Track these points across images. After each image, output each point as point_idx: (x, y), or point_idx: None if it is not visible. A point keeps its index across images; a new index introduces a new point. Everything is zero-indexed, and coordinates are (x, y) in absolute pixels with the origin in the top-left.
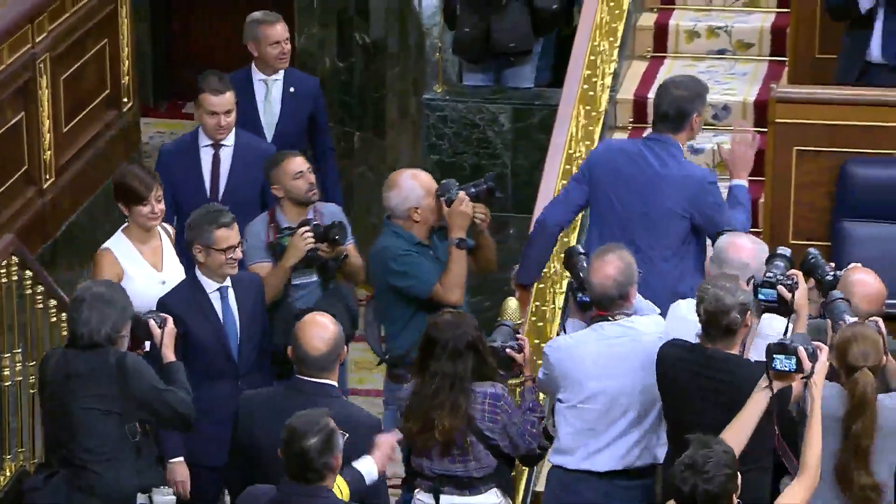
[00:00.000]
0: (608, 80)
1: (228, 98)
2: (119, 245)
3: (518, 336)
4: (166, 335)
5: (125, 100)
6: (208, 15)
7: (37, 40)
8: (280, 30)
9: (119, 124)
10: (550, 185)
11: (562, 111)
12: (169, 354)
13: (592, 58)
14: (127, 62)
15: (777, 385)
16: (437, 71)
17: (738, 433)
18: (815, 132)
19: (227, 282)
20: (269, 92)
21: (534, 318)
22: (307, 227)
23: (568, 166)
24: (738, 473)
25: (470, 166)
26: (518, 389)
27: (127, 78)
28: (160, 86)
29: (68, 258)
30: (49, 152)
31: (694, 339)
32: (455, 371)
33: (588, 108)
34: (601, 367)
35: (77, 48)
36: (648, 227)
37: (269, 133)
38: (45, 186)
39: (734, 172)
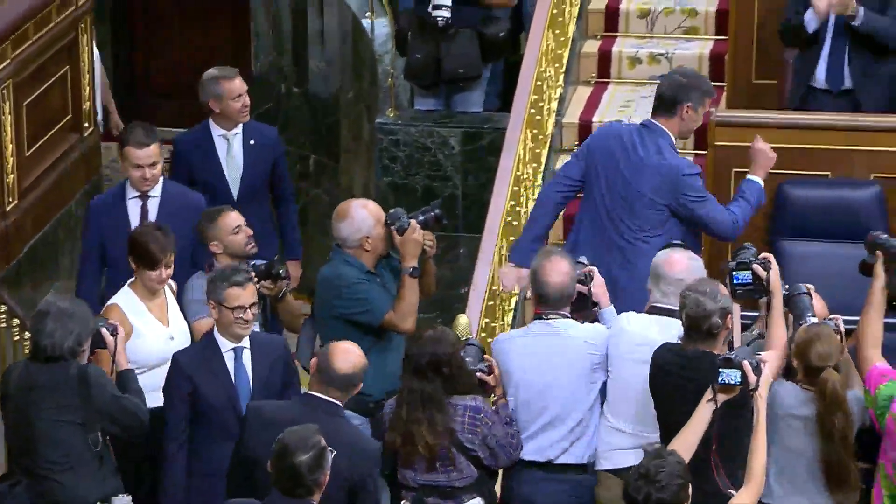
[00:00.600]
0: (554, 105)
1: (153, 150)
2: (127, 300)
3: (486, 357)
4: (119, 342)
5: (86, 125)
6: (168, 43)
7: (0, 67)
8: (239, 84)
9: (80, 149)
10: (499, 205)
11: (510, 135)
12: (122, 362)
13: (539, 83)
14: (88, 88)
15: (721, 398)
16: (389, 96)
17: (685, 444)
18: None
19: (245, 342)
20: (231, 146)
21: (483, 335)
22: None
23: (516, 188)
24: (690, 483)
25: (422, 188)
26: (493, 407)
27: (88, 104)
28: (121, 112)
29: (31, 279)
30: (12, 176)
31: (634, 350)
32: (422, 388)
33: (535, 131)
34: (524, 362)
35: (40, 74)
36: (629, 209)
37: (234, 187)
38: (8, 209)
39: (753, 167)
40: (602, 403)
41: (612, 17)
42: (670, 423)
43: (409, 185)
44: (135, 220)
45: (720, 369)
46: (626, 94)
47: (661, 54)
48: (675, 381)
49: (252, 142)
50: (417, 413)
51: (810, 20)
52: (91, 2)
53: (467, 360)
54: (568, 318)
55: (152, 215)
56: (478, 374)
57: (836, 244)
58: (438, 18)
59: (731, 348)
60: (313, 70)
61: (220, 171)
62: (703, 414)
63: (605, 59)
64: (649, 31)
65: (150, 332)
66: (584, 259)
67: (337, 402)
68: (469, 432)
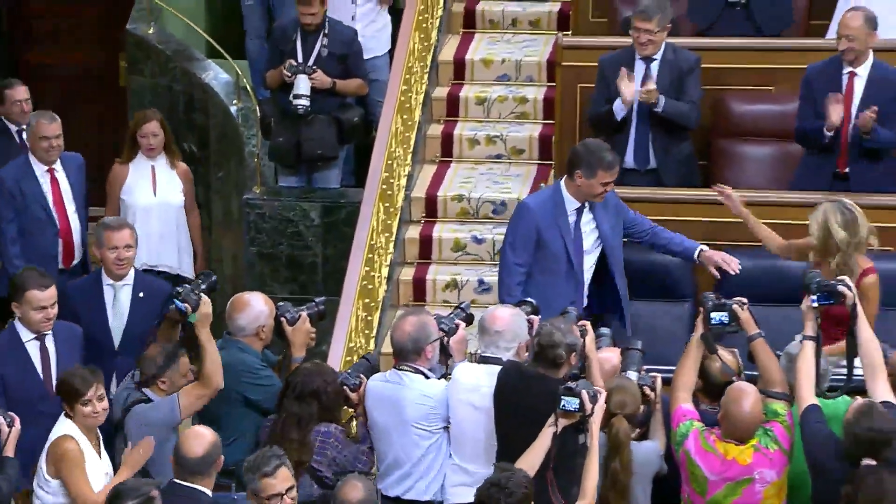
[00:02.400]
0: (403, 181)
1: (53, 290)
2: (75, 433)
3: (360, 375)
4: (12, 434)
5: None
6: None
7: None
8: (121, 237)
9: None
10: (356, 270)
11: (364, 208)
12: (8, 451)
13: (390, 162)
14: None
15: (561, 422)
16: (255, 175)
17: (529, 463)
18: None
19: None
20: (117, 297)
21: None
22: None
23: (370, 255)
24: (532, 494)
25: (286, 256)
26: (354, 423)
27: None
28: None
29: None
30: None
31: (466, 397)
32: (300, 412)
33: (387, 205)
34: (376, 403)
35: None
36: None
37: (116, 337)
38: None
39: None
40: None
41: (453, 104)
42: (507, 435)
43: (274, 254)
44: (37, 361)
45: (562, 396)
46: (466, 172)
47: (497, 136)
48: (514, 396)
49: (141, 294)
50: (292, 434)
51: (619, 109)
52: None
53: (351, 371)
54: (419, 371)
55: (52, 353)
56: (344, 385)
57: (654, 302)
58: (299, 107)
59: None
60: (187, 152)
61: (105, 319)
62: (545, 437)
63: (447, 140)
64: (486, 115)
65: (90, 467)
66: (467, 307)
67: (199, 488)
68: (317, 454)
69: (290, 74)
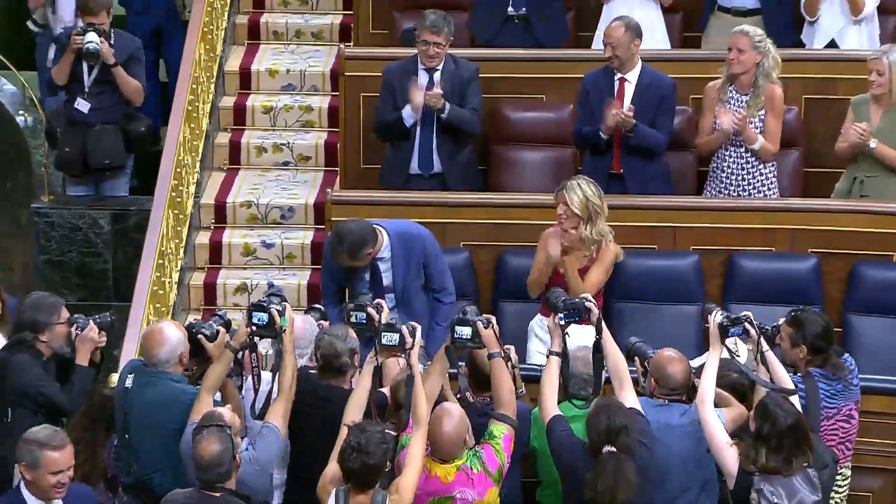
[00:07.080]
0: (192, 189)
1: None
2: None
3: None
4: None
5: None
6: None
7: None
8: (64, 457)
9: None
10: (146, 277)
11: (154, 215)
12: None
13: (178, 170)
14: None
15: (381, 357)
16: (43, 184)
17: (357, 403)
18: None
19: None
20: None
21: None
22: None
23: (161, 261)
24: (390, 448)
25: (76, 264)
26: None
27: None
28: None
29: None
30: None
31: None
32: (94, 431)
33: (176, 211)
34: None
35: None
36: None
37: None
38: None
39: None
40: None
41: (239, 113)
42: (301, 441)
43: (64, 262)
44: None
45: (382, 333)
46: (255, 178)
47: (284, 144)
48: (306, 405)
49: None
50: (80, 447)
51: (408, 116)
52: None
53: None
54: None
55: None
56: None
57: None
58: (90, 46)
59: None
60: None
61: None
62: (367, 375)
63: (235, 148)
64: (272, 124)
65: None
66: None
67: None
68: (114, 460)
69: (81, 30)
